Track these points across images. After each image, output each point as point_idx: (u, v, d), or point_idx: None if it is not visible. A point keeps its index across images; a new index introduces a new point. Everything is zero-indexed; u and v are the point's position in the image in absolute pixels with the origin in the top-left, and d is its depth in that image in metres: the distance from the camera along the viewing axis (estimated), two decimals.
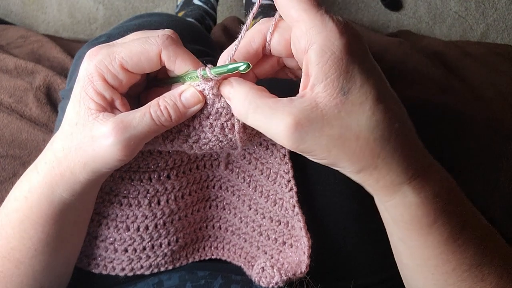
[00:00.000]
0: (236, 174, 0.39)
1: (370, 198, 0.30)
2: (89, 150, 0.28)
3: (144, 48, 0.28)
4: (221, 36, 0.92)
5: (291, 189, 0.36)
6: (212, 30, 0.97)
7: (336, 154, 0.25)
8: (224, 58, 0.29)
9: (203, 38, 0.59)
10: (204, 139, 0.30)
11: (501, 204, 0.74)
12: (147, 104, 0.28)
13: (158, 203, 0.37)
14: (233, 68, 0.27)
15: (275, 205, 0.37)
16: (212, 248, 0.43)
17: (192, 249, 0.42)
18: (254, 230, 0.40)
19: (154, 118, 0.28)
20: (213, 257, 0.43)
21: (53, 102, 0.77)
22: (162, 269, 0.41)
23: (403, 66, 0.90)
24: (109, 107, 0.29)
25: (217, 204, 0.42)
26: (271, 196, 0.37)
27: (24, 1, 1.20)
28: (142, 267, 0.39)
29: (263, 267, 0.36)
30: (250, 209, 0.39)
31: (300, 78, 0.29)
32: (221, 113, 0.29)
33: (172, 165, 0.37)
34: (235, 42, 0.28)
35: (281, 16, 0.27)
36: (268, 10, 1.01)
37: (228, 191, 0.41)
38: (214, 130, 0.29)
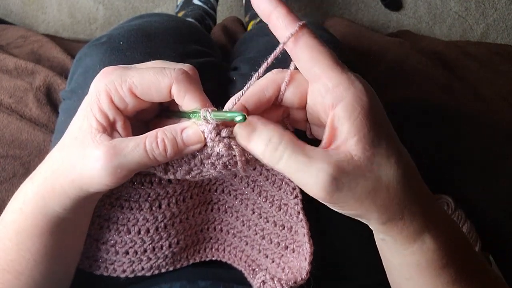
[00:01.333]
0: (240, 179, 0.39)
1: None
2: (78, 167, 0.28)
3: (156, 78, 0.28)
4: (221, 36, 0.92)
5: (296, 196, 0.36)
6: (212, 30, 0.97)
7: (368, 206, 0.26)
8: (230, 102, 0.28)
9: (203, 38, 0.59)
10: (207, 173, 0.30)
11: (501, 204, 0.74)
12: (144, 134, 0.28)
13: (159, 206, 0.37)
14: (231, 116, 0.26)
15: (279, 210, 0.37)
16: (213, 250, 0.43)
17: (193, 250, 0.42)
18: (256, 234, 0.40)
19: (148, 151, 0.27)
20: (213, 258, 0.43)
21: (53, 103, 0.77)
22: (163, 270, 0.41)
23: (403, 66, 0.90)
24: (110, 128, 0.28)
25: (219, 207, 0.42)
26: (276, 202, 0.37)
27: (24, 1, 1.19)
28: (143, 268, 0.40)
29: (263, 281, 0.35)
30: (254, 213, 0.39)
31: (296, 128, 0.31)
32: (222, 155, 0.29)
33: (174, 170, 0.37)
34: (244, 88, 0.28)
35: (296, 68, 0.27)
36: None
37: (230, 195, 0.41)
38: (216, 168, 0.29)
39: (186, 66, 0.30)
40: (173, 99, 0.29)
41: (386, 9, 1.24)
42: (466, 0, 1.24)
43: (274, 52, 0.27)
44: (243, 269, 0.42)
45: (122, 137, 0.29)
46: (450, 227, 0.29)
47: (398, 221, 0.26)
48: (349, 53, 0.57)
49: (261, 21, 0.97)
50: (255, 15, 1.01)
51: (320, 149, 0.26)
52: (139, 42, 0.48)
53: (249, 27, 1.00)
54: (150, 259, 0.39)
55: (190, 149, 0.28)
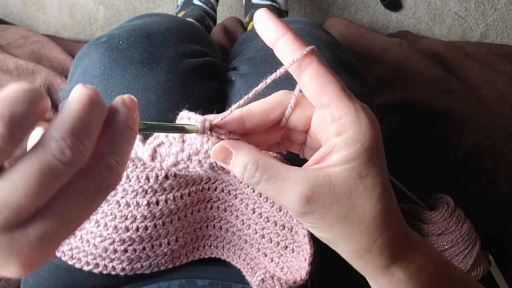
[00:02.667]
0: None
1: None
2: None
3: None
4: (221, 36, 0.92)
5: None
6: (212, 30, 0.97)
7: (337, 232, 0.26)
8: (228, 111, 0.27)
9: (203, 38, 0.59)
10: (193, 169, 0.29)
11: (501, 204, 0.74)
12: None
13: (157, 203, 0.37)
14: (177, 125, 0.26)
15: (280, 211, 0.37)
16: (212, 247, 0.43)
17: (191, 248, 0.43)
18: (256, 232, 0.40)
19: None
20: (212, 256, 0.43)
21: (53, 103, 0.78)
22: (162, 268, 0.41)
23: (403, 67, 0.90)
24: None
25: (218, 205, 0.42)
26: (276, 205, 0.38)
27: (24, 2, 1.20)
28: (142, 266, 0.40)
29: (263, 279, 0.36)
30: (254, 212, 0.39)
31: (289, 151, 0.30)
32: (209, 155, 0.28)
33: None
34: (241, 101, 0.27)
35: (301, 91, 0.27)
36: None
37: (230, 194, 0.41)
38: (202, 166, 0.28)
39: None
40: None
41: (385, 10, 1.24)
42: (465, 1, 1.24)
43: (275, 74, 0.26)
44: (241, 268, 0.42)
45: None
46: (426, 254, 0.29)
47: (365, 253, 0.26)
48: (348, 53, 0.57)
49: None
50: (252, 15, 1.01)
51: (299, 169, 0.25)
52: (139, 42, 0.48)
53: (249, 27, 1.00)
54: (149, 256, 0.39)
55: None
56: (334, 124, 0.25)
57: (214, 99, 0.52)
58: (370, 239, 0.26)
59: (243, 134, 0.27)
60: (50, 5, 1.20)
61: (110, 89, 0.45)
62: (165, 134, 0.29)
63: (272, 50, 0.53)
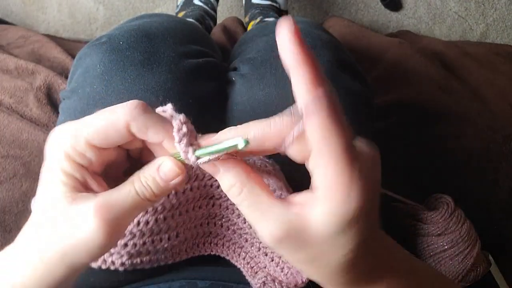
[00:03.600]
0: None
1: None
2: (66, 239, 0.25)
3: (110, 120, 0.25)
4: (221, 36, 0.92)
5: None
6: (212, 30, 0.97)
7: (304, 268, 0.27)
8: (226, 134, 0.26)
9: (203, 38, 0.59)
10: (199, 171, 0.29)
11: (501, 204, 0.74)
12: (128, 180, 0.27)
13: None
14: (224, 148, 0.25)
15: None
16: (212, 244, 0.43)
17: (192, 244, 0.42)
18: None
19: (140, 194, 0.26)
20: (212, 253, 0.43)
21: (53, 103, 0.78)
22: (162, 263, 0.41)
23: (403, 66, 0.90)
24: (84, 188, 0.26)
25: (220, 203, 0.42)
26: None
27: (24, 1, 1.20)
28: (142, 262, 0.39)
29: (264, 282, 0.36)
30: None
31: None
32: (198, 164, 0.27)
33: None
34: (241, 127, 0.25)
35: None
36: (267, 11, 1.01)
37: None
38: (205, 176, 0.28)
39: (135, 101, 0.26)
40: (145, 150, 0.27)
41: (386, 9, 1.24)
42: (465, 0, 1.24)
43: (295, 132, 0.24)
44: (241, 267, 0.42)
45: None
46: (408, 274, 0.29)
47: (328, 285, 0.27)
48: (349, 53, 0.57)
49: (261, 21, 0.97)
50: (255, 16, 1.01)
51: (280, 206, 0.25)
52: (139, 42, 0.48)
53: (249, 28, 1.00)
54: (149, 252, 0.39)
55: (174, 183, 0.27)
56: (324, 186, 0.24)
57: (214, 99, 0.52)
58: (334, 279, 0.26)
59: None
60: (50, 5, 1.20)
61: (110, 90, 0.45)
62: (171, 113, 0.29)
63: (272, 50, 0.53)
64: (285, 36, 0.23)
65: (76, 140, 0.26)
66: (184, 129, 0.27)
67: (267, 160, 0.35)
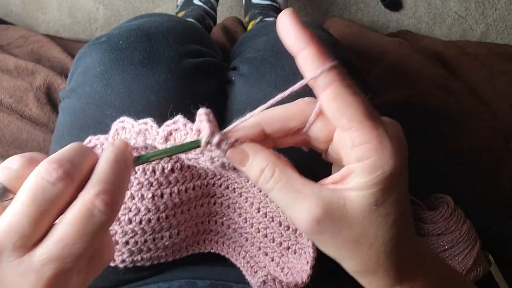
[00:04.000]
0: (246, 178, 0.39)
1: None
2: None
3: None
4: (221, 36, 0.92)
5: None
6: (212, 30, 0.97)
7: (345, 254, 0.25)
8: (247, 116, 0.26)
9: (203, 38, 0.59)
10: (204, 163, 0.28)
11: (501, 204, 0.74)
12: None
13: (161, 196, 0.37)
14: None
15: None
16: (212, 242, 0.43)
17: (192, 241, 0.42)
18: (259, 231, 0.40)
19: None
20: (212, 250, 0.43)
21: (53, 102, 0.78)
22: (162, 260, 0.41)
23: (403, 66, 0.90)
24: None
25: (222, 202, 0.42)
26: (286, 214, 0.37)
27: (24, 1, 1.20)
28: (142, 259, 0.39)
29: (264, 281, 0.35)
30: (259, 211, 0.39)
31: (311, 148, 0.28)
32: (226, 155, 0.26)
33: (176, 158, 0.37)
34: (259, 108, 0.26)
35: None
36: (267, 11, 1.01)
37: (235, 192, 0.41)
38: (214, 163, 0.27)
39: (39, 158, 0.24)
40: None
41: (386, 9, 1.24)
42: (466, 0, 1.24)
43: (292, 88, 0.25)
44: (241, 266, 0.42)
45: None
46: (438, 273, 0.28)
47: (370, 274, 0.26)
48: (349, 53, 0.57)
49: (261, 21, 0.97)
50: (255, 15, 1.01)
51: (315, 185, 0.25)
52: (138, 42, 0.48)
53: (249, 27, 1.00)
54: (150, 249, 0.39)
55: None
56: (354, 150, 0.23)
57: (214, 99, 0.52)
58: (377, 262, 0.25)
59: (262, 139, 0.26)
60: (50, 5, 1.20)
61: (109, 89, 0.45)
62: (183, 122, 0.28)
63: (272, 50, 0.53)
64: (286, 22, 0.23)
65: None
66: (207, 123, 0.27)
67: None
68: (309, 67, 0.23)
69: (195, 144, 0.26)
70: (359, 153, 0.23)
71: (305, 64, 0.23)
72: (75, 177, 0.23)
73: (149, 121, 0.29)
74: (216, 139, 0.25)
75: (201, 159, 0.27)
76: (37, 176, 0.22)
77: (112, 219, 0.23)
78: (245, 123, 0.26)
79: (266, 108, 0.26)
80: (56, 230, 0.22)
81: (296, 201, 0.24)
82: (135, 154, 0.29)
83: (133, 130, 0.31)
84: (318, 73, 0.23)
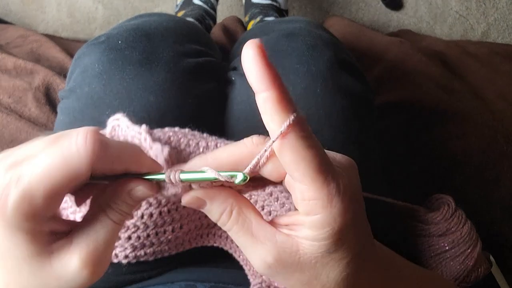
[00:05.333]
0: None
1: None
2: None
3: (68, 174, 0.21)
4: (221, 36, 0.92)
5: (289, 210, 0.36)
6: (212, 30, 0.97)
7: None
8: (195, 165, 0.25)
9: (202, 38, 0.59)
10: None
11: (501, 204, 0.74)
12: (98, 211, 0.24)
13: None
14: (213, 178, 0.24)
15: (269, 215, 0.37)
16: (216, 236, 0.43)
17: (195, 234, 0.42)
18: None
19: (118, 222, 0.25)
20: (215, 244, 0.43)
21: (52, 102, 0.77)
22: (166, 254, 0.41)
23: (404, 66, 0.89)
24: (52, 235, 0.23)
25: None
26: (286, 205, 0.37)
27: (23, 1, 1.19)
28: (145, 254, 0.39)
29: (261, 286, 0.35)
30: (263, 209, 0.39)
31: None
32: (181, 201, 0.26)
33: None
34: (219, 150, 0.25)
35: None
36: (267, 10, 1.01)
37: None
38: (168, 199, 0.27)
39: (85, 130, 0.23)
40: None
41: (386, 9, 1.24)
42: (466, 0, 1.24)
43: (269, 143, 0.23)
44: (243, 264, 0.41)
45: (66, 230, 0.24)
46: (409, 282, 0.29)
47: None
48: (349, 52, 0.57)
49: (261, 20, 0.97)
50: (255, 15, 1.00)
51: (270, 229, 0.25)
52: (137, 42, 0.47)
53: (249, 27, 0.99)
54: (153, 244, 0.39)
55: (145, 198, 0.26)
56: (303, 203, 0.23)
57: (213, 99, 0.52)
58: None
59: None
60: (49, 5, 1.19)
61: (108, 89, 0.45)
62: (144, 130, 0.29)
63: (272, 50, 0.52)
64: (250, 57, 0.21)
65: (32, 199, 0.21)
66: (166, 154, 0.26)
67: None
68: (268, 112, 0.22)
69: (157, 177, 0.25)
70: (307, 208, 0.23)
71: (263, 106, 0.22)
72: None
73: (143, 131, 0.29)
74: (176, 176, 0.24)
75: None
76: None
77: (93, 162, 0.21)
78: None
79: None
80: (37, 157, 0.21)
81: (251, 245, 0.25)
82: None
83: (128, 132, 0.31)
84: (279, 132, 0.22)
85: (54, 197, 0.22)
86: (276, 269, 0.24)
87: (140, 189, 0.25)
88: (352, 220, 0.24)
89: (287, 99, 0.22)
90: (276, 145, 0.22)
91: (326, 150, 0.24)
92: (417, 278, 0.32)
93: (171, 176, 0.24)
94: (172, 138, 0.36)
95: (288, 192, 0.34)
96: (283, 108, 0.21)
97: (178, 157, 0.36)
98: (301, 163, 0.22)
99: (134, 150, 0.25)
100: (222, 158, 0.25)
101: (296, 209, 0.25)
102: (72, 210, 0.37)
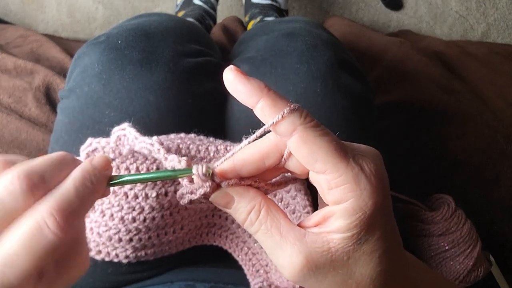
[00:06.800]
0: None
1: None
2: None
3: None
4: (221, 36, 0.92)
5: (307, 212, 0.36)
6: (212, 30, 0.97)
7: None
8: (222, 159, 0.25)
9: (202, 38, 0.59)
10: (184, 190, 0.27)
11: (501, 204, 0.74)
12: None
13: (166, 194, 0.37)
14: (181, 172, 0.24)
15: (293, 213, 0.37)
16: (216, 235, 0.43)
17: (195, 233, 0.42)
18: None
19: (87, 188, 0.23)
20: (215, 243, 0.43)
21: (52, 102, 0.77)
22: (166, 254, 0.41)
23: (404, 66, 0.89)
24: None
25: None
26: (290, 205, 0.37)
27: (23, 1, 1.19)
28: (146, 254, 0.40)
29: (260, 286, 0.35)
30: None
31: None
32: (210, 199, 0.26)
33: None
34: (236, 148, 0.25)
35: None
36: (267, 10, 1.01)
37: None
38: (191, 204, 0.26)
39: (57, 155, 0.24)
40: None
41: (386, 9, 1.24)
42: (466, 0, 1.24)
43: (255, 134, 0.24)
44: (243, 264, 0.41)
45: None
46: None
47: None
48: (349, 52, 0.57)
49: (261, 20, 0.97)
50: (255, 15, 1.00)
51: (299, 230, 0.24)
52: (137, 41, 0.47)
53: (249, 27, 0.99)
54: (154, 245, 0.39)
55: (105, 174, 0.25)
56: (331, 192, 0.23)
57: (213, 99, 0.52)
58: None
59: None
60: (49, 4, 1.19)
61: (108, 89, 0.45)
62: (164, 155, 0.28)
63: (272, 50, 0.52)
64: (231, 81, 0.22)
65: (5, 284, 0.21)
66: (184, 165, 0.26)
67: None
68: (269, 118, 0.22)
69: (185, 173, 0.25)
70: (336, 196, 0.23)
71: (264, 116, 0.22)
72: (39, 192, 0.22)
73: (155, 142, 0.28)
74: (208, 172, 0.24)
75: (181, 201, 0.26)
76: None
77: (63, 240, 0.21)
78: (224, 166, 0.25)
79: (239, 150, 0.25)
80: (3, 243, 0.21)
81: (280, 247, 0.24)
82: (130, 162, 0.28)
83: (136, 143, 0.31)
84: (276, 119, 0.22)
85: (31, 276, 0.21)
86: (309, 272, 0.23)
87: (97, 158, 0.24)
88: (381, 205, 0.23)
89: (280, 98, 0.22)
90: (292, 143, 0.22)
91: (347, 142, 0.24)
92: (433, 284, 0.32)
93: (199, 170, 0.24)
94: (181, 146, 0.36)
95: (302, 191, 0.34)
96: (280, 105, 0.22)
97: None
98: (318, 153, 0.22)
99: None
100: (247, 158, 0.25)
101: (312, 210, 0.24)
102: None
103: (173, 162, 0.27)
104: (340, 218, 0.23)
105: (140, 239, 0.38)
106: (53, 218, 0.21)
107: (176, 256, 0.42)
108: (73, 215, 0.22)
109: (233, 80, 0.22)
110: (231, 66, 0.23)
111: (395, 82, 0.87)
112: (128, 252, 0.39)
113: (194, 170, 0.24)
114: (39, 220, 0.21)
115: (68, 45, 0.94)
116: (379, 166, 0.23)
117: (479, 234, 0.63)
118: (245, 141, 0.24)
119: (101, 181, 0.24)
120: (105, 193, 0.26)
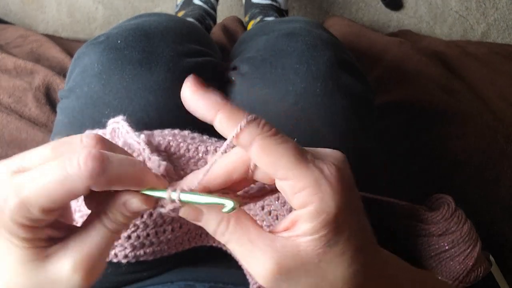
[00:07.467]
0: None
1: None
2: None
3: (65, 188, 0.22)
4: (221, 36, 0.92)
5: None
6: (212, 30, 0.97)
7: None
8: (193, 181, 0.25)
9: (202, 38, 0.59)
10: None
11: (501, 204, 0.74)
12: (93, 219, 0.25)
13: None
14: (216, 202, 0.24)
15: (290, 211, 0.37)
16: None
17: (194, 234, 0.42)
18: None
19: (113, 230, 0.25)
20: (214, 244, 0.43)
21: (52, 102, 0.77)
22: (165, 254, 0.41)
23: (404, 66, 0.89)
24: (47, 241, 0.24)
25: None
26: (287, 204, 0.37)
27: (23, 1, 1.19)
28: (145, 253, 0.39)
29: (259, 286, 0.35)
30: (263, 209, 0.39)
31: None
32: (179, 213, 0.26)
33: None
34: (207, 167, 0.25)
35: None
36: (267, 10, 1.01)
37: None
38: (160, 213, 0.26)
39: (88, 135, 0.24)
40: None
41: (386, 9, 1.24)
42: (466, 0, 1.24)
43: (221, 150, 0.24)
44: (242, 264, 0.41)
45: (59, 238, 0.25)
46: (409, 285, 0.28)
47: None
48: (349, 52, 0.57)
49: (261, 20, 0.97)
50: (255, 15, 1.00)
51: (269, 235, 0.24)
52: (137, 41, 0.47)
53: (249, 27, 0.99)
54: (153, 243, 0.39)
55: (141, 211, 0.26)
56: (295, 197, 0.23)
57: None
58: None
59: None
60: (49, 4, 1.19)
61: (108, 89, 0.45)
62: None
63: (272, 50, 0.53)
64: (188, 97, 0.23)
65: (28, 211, 0.22)
66: (162, 170, 0.26)
67: None
68: (228, 130, 0.22)
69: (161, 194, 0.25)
70: (300, 200, 0.23)
71: (222, 129, 0.23)
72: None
73: (141, 141, 0.29)
74: (173, 197, 0.24)
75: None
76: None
77: (95, 184, 0.22)
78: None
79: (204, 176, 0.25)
80: (39, 169, 0.22)
81: (251, 254, 0.24)
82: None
83: (127, 137, 0.31)
84: (236, 131, 0.22)
85: (50, 211, 0.22)
86: (281, 276, 0.23)
87: (134, 201, 0.24)
88: (346, 205, 0.23)
89: (237, 110, 0.23)
90: (253, 153, 0.23)
91: (308, 148, 0.24)
92: (421, 281, 0.32)
93: (172, 196, 0.24)
94: (171, 143, 0.36)
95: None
96: (237, 118, 0.22)
97: (177, 163, 0.36)
98: (279, 160, 0.22)
99: (136, 171, 0.24)
100: (215, 171, 0.25)
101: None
102: (80, 214, 0.37)
103: (153, 164, 0.27)
104: (306, 221, 0.23)
105: (138, 236, 0.38)
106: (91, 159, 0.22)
107: (175, 256, 0.42)
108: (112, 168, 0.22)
109: (189, 97, 0.23)
110: (188, 78, 0.23)
111: (395, 82, 0.87)
112: (127, 251, 0.38)
113: (166, 195, 0.24)
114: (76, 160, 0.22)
115: (68, 45, 0.94)
116: (341, 168, 0.24)
117: (479, 234, 0.63)
118: (212, 160, 0.25)
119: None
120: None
